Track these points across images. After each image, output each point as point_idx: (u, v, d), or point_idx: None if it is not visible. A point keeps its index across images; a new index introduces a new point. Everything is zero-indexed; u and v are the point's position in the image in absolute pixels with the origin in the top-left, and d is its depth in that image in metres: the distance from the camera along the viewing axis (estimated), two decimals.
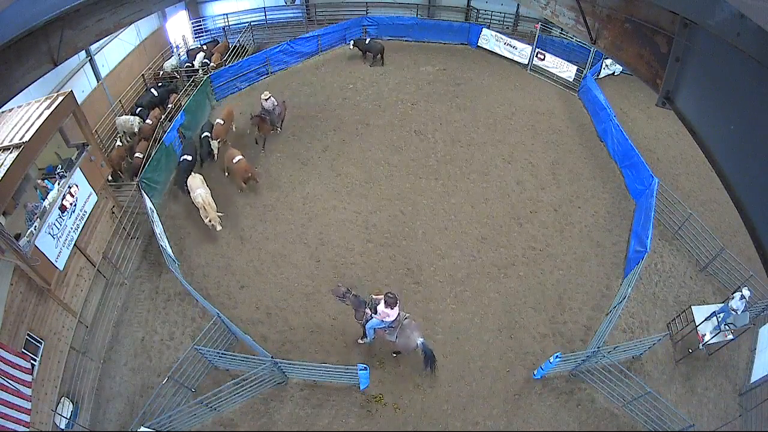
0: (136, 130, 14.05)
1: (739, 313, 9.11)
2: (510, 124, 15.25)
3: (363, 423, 8.73)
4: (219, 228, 11.45)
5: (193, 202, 11.79)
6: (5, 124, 8.58)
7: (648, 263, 11.04)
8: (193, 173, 12.41)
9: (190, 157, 12.83)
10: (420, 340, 8.61)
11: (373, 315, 8.64)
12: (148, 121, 14.12)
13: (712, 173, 3.71)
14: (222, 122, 13.82)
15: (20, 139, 8.04)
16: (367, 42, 17.65)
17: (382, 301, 8.35)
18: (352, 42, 17.77)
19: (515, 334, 10.01)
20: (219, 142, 13.51)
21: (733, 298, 9.29)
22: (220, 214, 11.54)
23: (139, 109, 14.79)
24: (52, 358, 8.60)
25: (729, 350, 9.81)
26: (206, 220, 11.46)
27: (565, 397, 9.16)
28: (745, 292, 9.14)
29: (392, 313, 8.37)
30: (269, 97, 13.91)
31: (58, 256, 8.88)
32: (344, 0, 20.39)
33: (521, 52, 17.90)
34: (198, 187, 11.79)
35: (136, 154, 12.87)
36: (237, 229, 11.92)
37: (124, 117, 14.33)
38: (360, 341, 9.62)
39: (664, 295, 10.90)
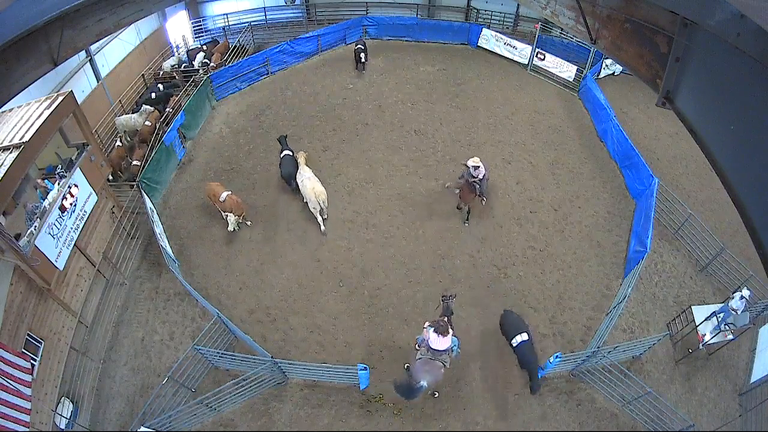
0: (146, 115, 13.95)
1: (739, 313, 9.11)
2: (510, 124, 15.25)
3: (363, 423, 8.73)
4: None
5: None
6: (5, 124, 8.58)
7: (648, 263, 11.03)
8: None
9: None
10: (422, 384, 7.92)
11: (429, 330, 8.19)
12: (147, 122, 14.12)
13: (712, 173, 3.70)
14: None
15: (20, 139, 8.05)
16: (364, 47, 17.24)
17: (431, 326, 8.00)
18: (363, 55, 16.95)
19: None
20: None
21: (733, 298, 9.29)
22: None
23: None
24: (52, 358, 8.61)
25: (729, 350, 9.81)
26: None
27: (565, 397, 9.16)
28: (745, 292, 9.13)
29: (438, 342, 7.89)
30: (479, 164, 11.30)
31: (58, 256, 8.89)
32: (344, 0, 20.39)
33: (521, 52, 17.88)
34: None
35: (134, 162, 12.77)
36: (237, 229, 11.90)
37: (125, 116, 14.32)
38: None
39: (664, 295, 10.90)
